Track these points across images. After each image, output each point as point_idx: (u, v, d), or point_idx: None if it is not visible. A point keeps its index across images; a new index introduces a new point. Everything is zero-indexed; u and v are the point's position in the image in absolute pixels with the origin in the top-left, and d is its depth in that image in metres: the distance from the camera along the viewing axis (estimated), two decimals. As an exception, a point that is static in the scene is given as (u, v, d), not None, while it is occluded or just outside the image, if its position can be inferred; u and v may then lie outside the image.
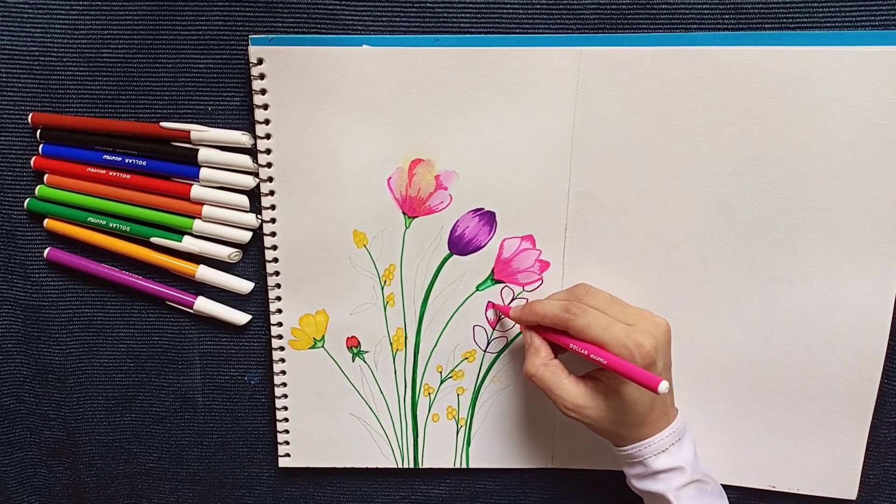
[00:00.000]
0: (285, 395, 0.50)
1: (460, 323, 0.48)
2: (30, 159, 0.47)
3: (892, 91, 0.41)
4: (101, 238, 0.48)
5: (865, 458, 0.48)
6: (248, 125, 0.45)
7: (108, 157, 0.46)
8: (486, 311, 0.48)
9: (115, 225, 0.48)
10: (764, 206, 0.44)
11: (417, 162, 0.45)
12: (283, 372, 0.50)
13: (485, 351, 0.49)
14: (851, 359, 0.46)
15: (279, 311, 0.48)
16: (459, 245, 0.46)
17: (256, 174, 0.46)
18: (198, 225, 0.47)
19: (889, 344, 0.46)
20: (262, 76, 0.43)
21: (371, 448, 0.51)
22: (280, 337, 0.49)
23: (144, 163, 0.46)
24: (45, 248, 0.49)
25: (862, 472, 0.48)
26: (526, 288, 0.47)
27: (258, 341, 0.50)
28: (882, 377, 0.46)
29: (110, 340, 0.51)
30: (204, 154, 0.45)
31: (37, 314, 0.50)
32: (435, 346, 0.49)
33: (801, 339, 0.46)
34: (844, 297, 0.45)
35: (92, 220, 0.48)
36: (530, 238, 0.46)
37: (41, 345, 0.51)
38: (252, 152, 0.45)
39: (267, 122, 0.44)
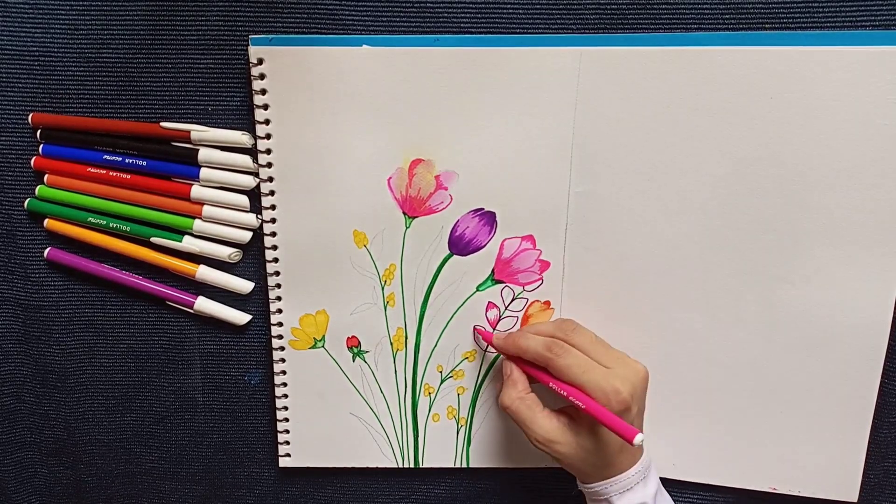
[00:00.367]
0: (285, 395, 0.50)
1: (460, 323, 0.48)
2: (30, 159, 0.47)
3: (892, 91, 0.41)
4: (102, 238, 0.48)
5: (866, 458, 0.48)
6: (248, 125, 0.45)
7: (108, 157, 0.46)
8: (487, 311, 0.48)
9: (115, 225, 0.48)
10: (764, 206, 0.44)
11: (417, 162, 0.45)
12: (284, 372, 0.50)
13: (485, 351, 0.49)
14: (851, 359, 0.46)
15: (279, 311, 0.48)
16: (460, 245, 0.46)
17: (256, 174, 0.46)
18: (198, 225, 0.47)
19: (889, 344, 0.46)
20: (262, 76, 0.43)
21: (371, 448, 0.51)
22: (280, 337, 0.49)
23: (144, 163, 0.46)
24: (46, 248, 0.49)
25: (862, 473, 0.48)
26: (526, 288, 0.47)
27: (258, 341, 0.50)
28: (882, 377, 0.46)
29: (110, 340, 0.51)
30: (204, 154, 0.45)
31: (37, 314, 0.50)
32: (435, 345, 0.49)
33: (801, 339, 0.46)
34: (844, 297, 0.45)
35: (92, 220, 0.48)
36: (530, 238, 0.46)
37: (41, 345, 0.51)
38: (252, 152, 0.45)
39: (267, 122, 0.44)
